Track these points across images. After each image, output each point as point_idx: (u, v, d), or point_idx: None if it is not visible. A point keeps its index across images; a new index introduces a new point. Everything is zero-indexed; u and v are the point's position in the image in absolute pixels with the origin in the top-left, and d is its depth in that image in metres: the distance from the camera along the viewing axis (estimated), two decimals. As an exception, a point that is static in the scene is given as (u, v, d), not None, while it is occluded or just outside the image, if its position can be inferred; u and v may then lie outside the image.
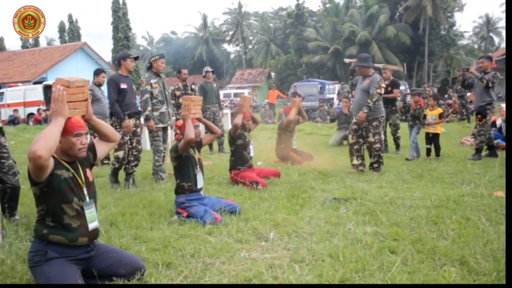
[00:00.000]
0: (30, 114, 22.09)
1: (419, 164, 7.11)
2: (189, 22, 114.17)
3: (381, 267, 2.90)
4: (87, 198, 2.74)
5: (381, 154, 6.42)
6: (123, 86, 5.77)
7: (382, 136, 6.37)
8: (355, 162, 6.54)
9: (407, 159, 7.68)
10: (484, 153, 7.85)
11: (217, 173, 6.49)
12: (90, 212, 2.72)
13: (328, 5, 46.99)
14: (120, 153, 5.81)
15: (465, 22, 74.06)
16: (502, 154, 7.81)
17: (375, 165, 6.44)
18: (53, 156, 2.59)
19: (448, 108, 17.30)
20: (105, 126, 2.98)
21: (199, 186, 4.37)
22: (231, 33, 58.89)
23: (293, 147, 7.73)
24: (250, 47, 59.46)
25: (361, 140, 6.48)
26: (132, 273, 2.84)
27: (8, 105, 23.63)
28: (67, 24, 47.90)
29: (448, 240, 3.41)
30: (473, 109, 8.61)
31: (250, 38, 58.56)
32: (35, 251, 2.68)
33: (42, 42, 50.47)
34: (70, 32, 47.81)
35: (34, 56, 34.94)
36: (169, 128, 6.56)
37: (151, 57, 6.42)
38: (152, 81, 6.22)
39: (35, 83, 27.81)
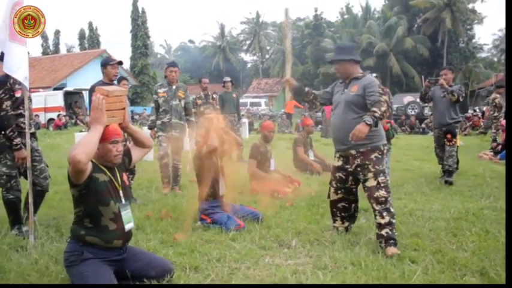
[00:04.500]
0: (51, 120, 22.54)
1: (438, 176, 7.13)
2: (207, 31, 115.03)
3: (402, 276, 2.99)
4: (123, 200, 2.89)
5: (391, 208, 3.67)
6: None
7: (388, 176, 3.78)
8: (339, 225, 4.08)
9: None
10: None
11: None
12: (126, 214, 2.87)
13: (346, 16, 47.14)
14: None
15: (485, 35, 73.56)
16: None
17: (386, 230, 3.60)
18: (92, 161, 2.75)
19: (466, 122, 17.24)
20: (141, 133, 3.15)
21: (221, 193, 4.50)
22: (248, 42, 59.36)
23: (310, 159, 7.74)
24: (267, 56, 59.79)
25: (352, 196, 4.03)
26: (162, 275, 2.97)
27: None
28: (87, 32, 48.76)
29: (468, 251, 3.47)
30: (436, 126, 7.00)
31: (267, 47, 58.88)
32: (71, 251, 2.83)
33: (62, 49, 51.52)
34: (90, 40, 48.65)
35: (54, 62, 35.73)
36: (187, 137, 6.57)
37: None
38: (160, 90, 6.24)
39: (55, 89, 28.44)
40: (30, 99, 4.32)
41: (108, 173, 2.85)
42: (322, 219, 4.53)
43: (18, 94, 4.24)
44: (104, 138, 2.78)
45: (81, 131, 14.04)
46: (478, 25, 45.20)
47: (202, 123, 4.73)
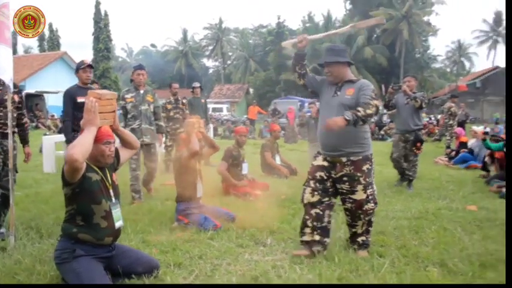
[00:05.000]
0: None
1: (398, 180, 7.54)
2: (169, 36, 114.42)
3: (372, 268, 3.27)
4: (114, 199, 3.03)
5: (372, 220, 3.73)
6: (81, 99, 5.08)
7: (375, 189, 3.74)
8: (309, 238, 3.66)
9: None
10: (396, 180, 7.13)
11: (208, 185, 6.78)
12: (116, 212, 3.02)
13: (308, 24, 48.08)
14: None
15: (439, 46, 77.02)
16: (474, 173, 8.35)
17: (362, 238, 3.71)
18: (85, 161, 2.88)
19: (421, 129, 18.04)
20: (129, 135, 3.31)
21: (198, 195, 4.68)
22: (210, 48, 59.48)
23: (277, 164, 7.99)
24: (229, 62, 60.13)
25: (327, 199, 3.72)
26: (149, 271, 3.12)
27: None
28: (47, 33, 47.54)
29: (429, 246, 3.82)
30: (398, 132, 6.95)
31: (230, 53, 59.24)
32: (62, 249, 2.94)
33: (20, 50, 50.00)
34: (50, 41, 47.45)
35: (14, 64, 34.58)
36: (157, 144, 6.33)
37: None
38: (127, 95, 5.93)
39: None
40: (16, 101, 4.33)
41: (99, 172, 2.99)
42: (294, 219, 4.76)
43: None
44: (97, 140, 2.93)
45: (45, 134, 13.77)
46: (433, 37, 47.21)
47: (183, 127, 4.88)
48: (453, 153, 10.69)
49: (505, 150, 6.59)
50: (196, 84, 9.61)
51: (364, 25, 4.28)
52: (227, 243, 3.94)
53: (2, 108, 4.28)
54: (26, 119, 4.67)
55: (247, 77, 49.99)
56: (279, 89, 44.64)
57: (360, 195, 3.60)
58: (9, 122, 4.12)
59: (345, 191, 3.65)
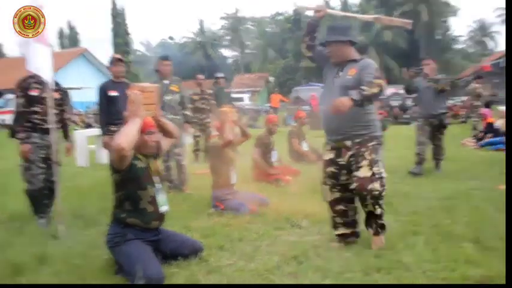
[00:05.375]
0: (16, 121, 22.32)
1: (427, 162, 7.55)
2: (187, 27, 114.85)
3: (407, 246, 3.38)
4: (158, 185, 3.22)
5: (382, 203, 3.40)
6: (113, 93, 5.52)
7: (383, 170, 3.42)
8: (341, 231, 3.60)
9: None
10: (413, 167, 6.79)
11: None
12: (161, 197, 3.20)
13: (340, 16, 47.57)
14: None
15: (460, 26, 75.33)
16: (502, 154, 8.31)
17: (374, 224, 3.48)
18: None
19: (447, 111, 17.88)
20: (169, 125, 3.48)
21: (233, 182, 4.84)
22: (228, 38, 59.48)
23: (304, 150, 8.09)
24: (247, 51, 60.03)
25: (348, 193, 3.55)
26: (194, 253, 3.30)
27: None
28: (66, 31, 48.31)
29: (462, 225, 3.89)
30: (423, 116, 6.77)
31: (248, 42, 59.13)
32: (114, 233, 3.15)
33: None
34: (69, 38, 48.24)
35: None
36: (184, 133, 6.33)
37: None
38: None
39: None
40: (56, 98, 4.54)
41: (144, 160, 3.18)
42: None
43: (33, 93, 4.54)
44: (141, 130, 3.10)
45: (75, 129, 14.14)
46: (453, 17, 46.29)
47: (218, 116, 5.03)
48: (480, 134, 10.61)
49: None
50: (220, 75, 9.76)
51: (388, 22, 4.10)
52: (264, 226, 4.10)
53: (42, 106, 4.52)
54: (67, 115, 4.90)
55: (267, 66, 49.91)
56: (299, 77, 44.53)
57: (364, 172, 3.31)
58: (51, 118, 4.35)
59: (353, 171, 3.42)
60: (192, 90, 8.99)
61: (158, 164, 3.36)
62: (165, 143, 3.49)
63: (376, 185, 3.30)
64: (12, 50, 53.56)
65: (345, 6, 46.34)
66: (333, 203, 3.59)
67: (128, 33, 44.27)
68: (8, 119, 23.70)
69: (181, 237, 3.41)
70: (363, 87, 3.20)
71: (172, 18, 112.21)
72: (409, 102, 19.48)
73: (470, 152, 8.78)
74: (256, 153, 6.33)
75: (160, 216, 3.23)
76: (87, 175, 7.81)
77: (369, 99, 3.22)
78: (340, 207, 3.57)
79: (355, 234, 3.62)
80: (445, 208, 4.48)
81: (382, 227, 3.46)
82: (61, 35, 48.50)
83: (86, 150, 9.46)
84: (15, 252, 3.53)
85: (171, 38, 65.39)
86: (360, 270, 2.99)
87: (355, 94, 3.15)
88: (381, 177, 3.36)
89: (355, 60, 3.48)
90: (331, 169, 3.54)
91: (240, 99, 34.48)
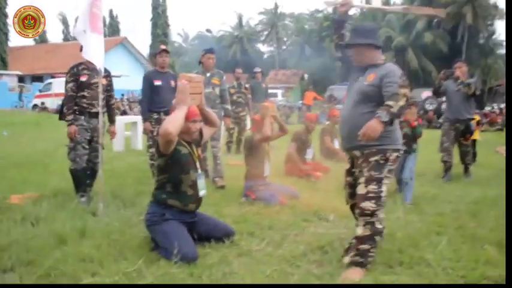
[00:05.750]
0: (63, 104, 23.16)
1: (456, 167, 7.54)
2: (225, 21, 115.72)
3: (430, 245, 3.50)
4: (199, 170, 3.45)
5: (377, 223, 3.10)
6: (157, 82, 5.76)
7: (384, 190, 3.12)
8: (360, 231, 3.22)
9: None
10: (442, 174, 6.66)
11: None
12: (201, 182, 3.43)
13: (365, 10, 47.11)
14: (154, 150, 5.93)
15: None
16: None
17: (360, 246, 3.10)
18: None
19: (483, 118, 17.54)
20: (212, 114, 3.71)
21: (266, 174, 5.04)
22: (265, 33, 59.59)
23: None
24: (284, 47, 60.03)
25: None
26: (226, 237, 3.51)
27: (55, 95, 24.97)
28: (107, 19, 49.49)
29: (487, 229, 3.97)
30: (449, 121, 6.61)
31: (285, 39, 59.14)
32: (153, 213, 3.40)
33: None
34: (110, 27, 49.44)
35: (76, 48, 36.11)
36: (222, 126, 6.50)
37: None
38: None
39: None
40: (104, 84, 4.82)
41: (187, 146, 3.41)
42: (354, 200, 5.05)
43: (83, 78, 4.88)
44: (186, 118, 3.33)
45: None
46: (500, 20, 44.90)
47: (257, 110, 5.21)
48: (515, 142, 10.44)
49: None
50: (258, 69, 9.97)
51: (419, 12, 3.87)
52: (293, 217, 4.29)
53: (89, 91, 4.86)
54: (113, 101, 5.20)
55: (303, 63, 49.82)
56: (335, 75, 44.26)
57: (360, 189, 3.15)
58: (100, 103, 4.64)
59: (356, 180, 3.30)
60: (229, 83, 9.20)
61: (200, 151, 3.59)
62: (207, 131, 3.71)
63: (368, 204, 3.08)
64: (52, 36, 55.29)
65: (386, 3, 45.68)
66: (352, 208, 3.51)
67: (168, 25, 45.09)
68: (48, 102, 24.73)
69: (215, 221, 3.64)
70: (388, 102, 2.93)
71: (211, 11, 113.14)
72: (444, 106, 19.22)
73: (502, 159, 8.66)
74: (291, 147, 6.50)
75: (198, 200, 3.47)
76: (123, 160, 8.18)
77: (398, 115, 2.98)
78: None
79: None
80: (471, 212, 4.55)
81: (362, 255, 3.06)
82: (103, 23, 49.76)
83: (122, 136, 9.83)
84: (58, 225, 3.83)
85: (208, 30, 66.02)
86: (383, 263, 3.13)
87: (383, 115, 2.88)
88: (377, 196, 3.09)
89: (376, 65, 3.25)
90: (349, 179, 3.45)
91: (274, 95, 34.72)
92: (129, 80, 27.21)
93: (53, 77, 28.33)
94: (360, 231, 3.13)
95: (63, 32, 51.88)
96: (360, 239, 3.11)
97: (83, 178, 4.92)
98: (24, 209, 4.30)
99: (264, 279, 2.87)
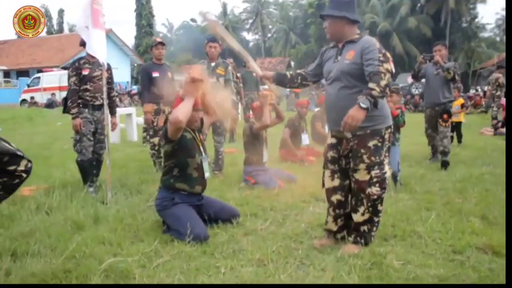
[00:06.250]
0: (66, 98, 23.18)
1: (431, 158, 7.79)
2: (209, 10, 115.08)
3: (420, 219, 3.80)
4: (203, 153, 3.70)
5: (379, 205, 3.16)
6: (155, 74, 5.93)
7: (387, 170, 3.17)
8: (331, 227, 3.36)
9: None
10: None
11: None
12: (205, 165, 3.70)
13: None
14: (156, 140, 5.98)
15: (488, 14, 73.77)
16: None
17: (363, 227, 3.19)
18: None
19: (468, 101, 17.98)
20: (211, 104, 3.93)
21: (264, 160, 5.31)
22: (250, 21, 59.55)
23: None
24: (269, 35, 60.06)
25: (346, 183, 3.29)
26: (232, 217, 3.78)
27: (44, 89, 24.94)
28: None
29: (472, 203, 4.30)
30: (428, 106, 6.60)
31: (270, 26, 59.13)
32: (162, 198, 3.65)
33: (66, 28, 51.85)
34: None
35: (61, 41, 36.13)
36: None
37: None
38: None
39: (63, 68, 29.02)
40: (105, 77, 4.94)
41: (191, 133, 3.66)
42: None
43: (85, 72, 5.04)
44: None
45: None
46: (481, 4, 45.44)
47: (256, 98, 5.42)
48: (500, 124, 10.85)
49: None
50: (249, 59, 10.16)
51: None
52: (291, 199, 4.56)
53: (92, 84, 5.04)
54: (114, 93, 5.39)
55: (288, 50, 49.98)
56: (321, 62, 44.43)
57: (361, 175, 3.09)
58: (105, 95, 4.84)
59: (350, 168, 3.20)
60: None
61: (202, 137, 3.84)
62: (207, 120, 3.96)
63: (374, 189, 3.09)
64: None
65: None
66: (329, 192, 3.34)
67: (152, 15, 44.74)
68: (37, 96, 24.67)
69: (221, 204, 3.91)
70: (370, 84, 2.83)
71: (195, 1, 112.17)
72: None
73: (487, 140, 9.07)
74: (285, 133, 6.76)
75: (204, 182, 3.73)
76: (121, 151, 8.37)
77: (381, 96, 2.85)
78: (337, 197, 3.29)
79: (348, 228, 3.34)
80: (457, 189, 4.88)
81: (363, 236, 3.16)
82: (86, 15, 49.07)
83: (117, 128, 9.97)
84: (72, 213, 4.06)
85: (193, 20, 65.56)
86: (378, 236, 3.39)
87: (362, 101, 2.78)
88: (382, 179, 3.10)
89: (353, 41, 3.09)
90: (332, 153, 3.30)
91: (263, 83, 34.87)
92: (116, 72, 27.17)
93: (40, 71, 28.21)
94: (360, 216, 3.13)
95: (46, 25, 51.36)
96: (360, 223, 3.16)
97: (90, 169, 5.13)
98: (37, 199, 4.50)
99: (271, 254, 3.13)
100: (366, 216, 3.14)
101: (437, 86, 6.32)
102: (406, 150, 7.45)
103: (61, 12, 52.11)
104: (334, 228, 3.34)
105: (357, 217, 3.17)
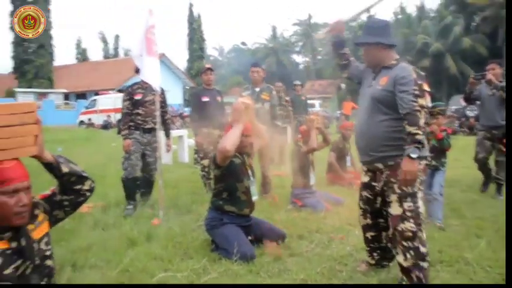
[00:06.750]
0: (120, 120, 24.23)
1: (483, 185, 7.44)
2: (259, 33, 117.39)
3: (469, 246, 3.74)
4: (252, 177, 3.83)
5: (420, 246, 2.80)
6: (205, 99, 6.12)
7: (421, 205, 2.87)
8: (368, 260, 3.35)
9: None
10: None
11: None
12: (253, 189, 3.82)
13: (399, 16, 46.84)
14: (206, 162, 6.13)
15: (548, 32, 70.49)
16: None
17: (413, 274, 2.79)
18: None
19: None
20: (262, 129, 4.08)
21: (311, 183, 5.38)
22: (300, 44, 60.05)
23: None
24: (319, 57, 60.24)
25: (380, 221, 3.19)
26: (279, 239, 3.87)
27: (100, 111, 26.18)
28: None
29: (526, 231, 4.16)
30: (483, 128, 6.09)
31: (320, 49, 59.33)
32: (212, 218, 3.80)
33: (121, 53, 54.42)
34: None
35: (116, 65, 37.86)
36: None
37: None
38: (244, 93, 6.07)
39: (119, 90, 30.33)
40: (159, 101, 5.21)
41: (240, 157, 3.80)
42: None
43: (137, 97, 5.33)
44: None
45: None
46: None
47: (303, 122, 5.52)
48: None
49: None
50: (298, 82, 10.37)
51: None
52: (338, 222, 4.60)
53: (144, 108, 5.30)
54: (167, 116, 5.64)
55: (339, 72, 49.80)
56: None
57: (394, 209, 2.86)
58: (158, 119, 5.10)
59: (385, 200, 3.02)
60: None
61: (251, 161, 3.98)
62: (257, 143, 4.10)
63: (408, 225, 2.79)
64: (93, 54, 57.49)
65: (422, 12, 45.30)
66: (364, 228, 3.29)
67: (203, 39, 46.12)
68: (94, 118, 25.92)
69: (268, 225, 4.01)
70: (409, 129, 2.68)
71: (245, 24, 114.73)
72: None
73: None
74: (331, 157, 6.80)
75: (252, 205, 3.85)
76: (172, 171, 8.63)
77: (424, 135, 2.74)
78: (371, 233, 3.24)
79: (387, 259, 3.27)
80: (511, 216, 4.72)
81: (417, 282, 2.79)
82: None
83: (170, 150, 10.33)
84: (126, 229, 4.30)
85: (243, 43, 67.04)
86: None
87: (411, 151, 2.67)
88: (416, 214, 2.81)
89: (388, 67, 2.96)
90: (366, 193, 3.17)
91: (312, 106, 34.95)
92: (169, 95, 28.08)
93: (96, 94, 29.68)
94: (403, 260, 2.82)
95: (103, 49, 54.03)
96: (407, 270, 2.81)
97: (132, 187, 5.34)
98: (94, 216, 4.79)
99: (315, 275, 3.20)
100: (410, 262, 2.78)
101: (493, 107, 5.84)
102: (458, 173, 7.29)
103: (117, 38, 54.88)
104: (372, 261, 3.32)
105: (401, 261, 2.85)
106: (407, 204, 2.81)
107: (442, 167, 4.76)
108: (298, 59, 63.96)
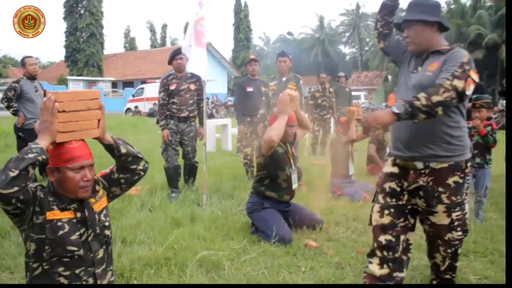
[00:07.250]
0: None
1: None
2: (306, 23, 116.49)
3: (505, 239, 3.74)
4: (293, 166, 3.99)
5: (459, 252, 2.71)
6: (249, 89, 6.33)
7: (467, 208, 2.60)
8: (376, 270, 2.60)
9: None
10: None
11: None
12: (294, 177, 3.98)
13: (453, 6, 45.25)
14: (248, 150, 6.33)
15: None
16: None
17: (446, 276, 2.75)
18: None
19: None
20: (305, 119, 4.22)
21: (350, 173, 5.49)
22: (347, 34, 59.22)
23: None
24: (366, 48, 59.23)
25: (403, 220, 2.63)
26: (317, 224, 4.02)
27: (147, 99, 26.96)
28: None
29: None
30: None
31: (367, 39, 58.30)
32: (253, 202, 4.00)
33: (168, 42, 55.41)
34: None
35: (163, 54, 38.47)
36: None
37: None
38: (271, 83, 6.12)
39: (166, 78, 30.97)
40: (192, 89, 5.48)
41: (283, 146, 3.96)
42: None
43: (172, 87, 5.51)
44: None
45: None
46: None
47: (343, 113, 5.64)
48: None
49: None
50: (342, 74, 10.38)
51: None
52: (375, 211, 4.68)
53: (178, 97, 5.46)
54: (203, 104, 5.58)
55: (386, 64, 48.89)
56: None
57: (440, 219, 2.56)
58: (205, 107, 5.33)
59: (421, 209, 2.63)
60: (313, 86, 9.69)
61: (293, 150, 4.14)
62: (300, 133, 4.25)
63: (456, 234, 2.57)
64: (141, 43, 58.83)
65: (477, 1, 43.56)
66: (378, 230, 2.65)
67: (250, 29, 46.25)
68: (140, 106, 26.73)
69: (307, 211, 4.17)
70: (420, 94, 2.28)
71: (292, 14, 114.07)
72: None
73: None
74: (371, 149, 6.86)
75: (292, 192, 4.02)
76: (216, 159, 8.92)
77: (425, 111, 2.27)
78: (387, 237, 2.59)
79: (392, 278, 2.58)
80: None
81: (448, 283, 2.73)
82: (185, 29, 52.06)
83: (213, 138, 10.65)
84: (171, 211, 4.57)
85: (289, 33, 66.75)
86: (459, 252, 3.45)
87: (397, 106, 2.28)
88: (463, 221, 2.57)
89: (440, 52, 2.52)
90: (391, 184, 2.64)
91: (357, 97, 34.56)
92: (214, 84, 28.59)
93: (143, 82, 30.52)
94: (440, 262, 2.70)
95: (150, 39, 55.23)
96: (442, 272, 2.73)
97: (174, 175, 5.56)
98: (142, 198, 5.10)
99: (350, 259, 3.34)
100: (447, 263, 2.68)
101: None
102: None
103: (164, 27, 55.87)
104: (378, 272, 2.59)
105: (437, 262, 2.74)
106: (455, 214, 2.53)
107: (486, 165, 4.53)
108: (345, 49, 63.21)
